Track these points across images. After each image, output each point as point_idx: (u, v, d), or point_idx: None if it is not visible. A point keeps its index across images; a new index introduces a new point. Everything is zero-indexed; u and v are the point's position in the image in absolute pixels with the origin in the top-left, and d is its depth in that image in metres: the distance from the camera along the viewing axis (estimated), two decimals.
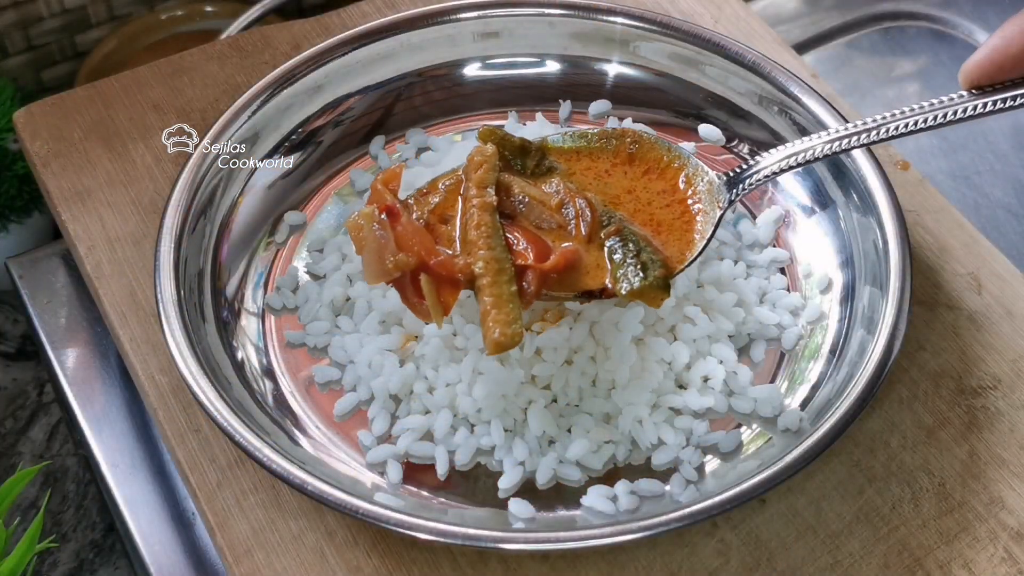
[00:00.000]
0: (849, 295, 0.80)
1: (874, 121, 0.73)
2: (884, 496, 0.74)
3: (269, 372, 0.79)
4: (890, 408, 0.77)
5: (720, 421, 0.77)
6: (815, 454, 0.69)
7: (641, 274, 0.71)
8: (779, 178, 0.87)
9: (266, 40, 0.96)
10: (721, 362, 0.77)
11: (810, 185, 0.86)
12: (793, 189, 0.86)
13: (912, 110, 0.72)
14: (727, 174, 0.75)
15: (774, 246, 0.85)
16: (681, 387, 0.77)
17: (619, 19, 0.89)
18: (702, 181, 0.76)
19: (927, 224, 0.86)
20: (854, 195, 0.82)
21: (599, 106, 0.91)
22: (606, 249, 0.73)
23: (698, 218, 0.75)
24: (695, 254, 0.73)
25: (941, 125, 0.71)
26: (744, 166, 0.75)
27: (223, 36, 1.02)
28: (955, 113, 0.71)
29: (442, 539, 0.67)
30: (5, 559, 0.75)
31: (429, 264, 0.70)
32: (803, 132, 0.85)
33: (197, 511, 0.75)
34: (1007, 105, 0.70)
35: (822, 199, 0.85)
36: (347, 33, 0.89)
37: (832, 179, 0.84)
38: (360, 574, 0.71)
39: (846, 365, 0.76)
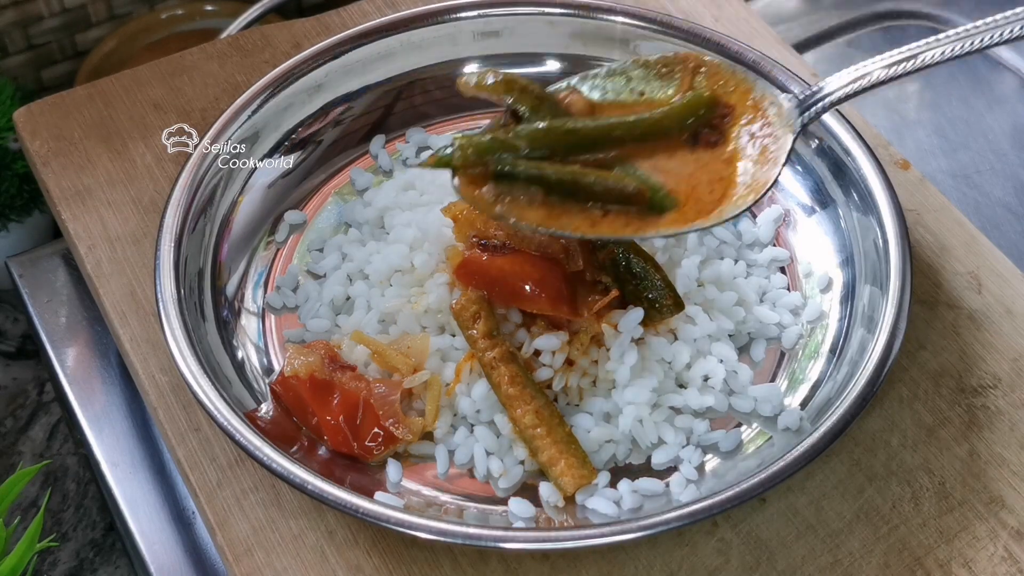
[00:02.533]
0: (849, 294, 0.80)
1: (951, 36, 0.72)
2: (884, 495, 0.74)
3: (269, 371, 0.79)
4: (890, 407, 0.77)
5: (720, 420, 0.77)
6: (815, 453, 0.69)
7: (653, 310, 0.75)
8: (779, 177, 0.87)
9: (266, 39, 0.96)
10: (721, 361, 0.77)
11: (810, 184, 0.86)
12: (793, 188, 0.86)
13: (977, 27, 0.71)
14: (796, 96, 0.73)
15: (774, 245, 0.85)
16: (681, 386, 0.77)
17: (619, 18, 0.89)
18: (771, 105, 0.74)
19: (927, 223, 0.86)
20: (854, 194, 0.82)
21: None
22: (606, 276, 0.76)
23: (768, 143, 0.73)
24: (770, 182, 0.72)
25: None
26: (811, 89, 0.73)
27: (223, 35, 1.02)
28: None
29: (442, 538, 0.67)
30: (5, 558, 0.75)
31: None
32: (803, 132, 0.85)
33: (197, 510, 0.75)
34: None
35: (822, 198, 0.85)
36: (347, 32, 0.89)
37: (832, 178, 0.84)
38: (360, 573, 0.71)
39: (846, 364, 0.76)
